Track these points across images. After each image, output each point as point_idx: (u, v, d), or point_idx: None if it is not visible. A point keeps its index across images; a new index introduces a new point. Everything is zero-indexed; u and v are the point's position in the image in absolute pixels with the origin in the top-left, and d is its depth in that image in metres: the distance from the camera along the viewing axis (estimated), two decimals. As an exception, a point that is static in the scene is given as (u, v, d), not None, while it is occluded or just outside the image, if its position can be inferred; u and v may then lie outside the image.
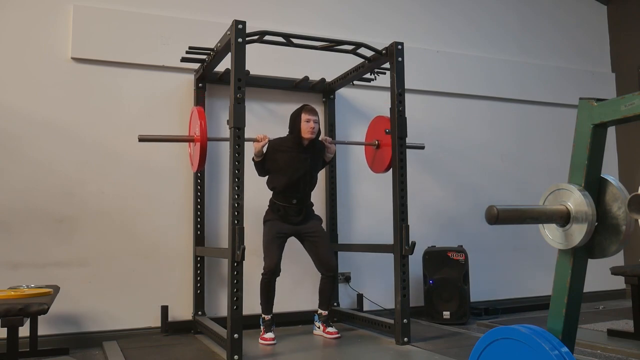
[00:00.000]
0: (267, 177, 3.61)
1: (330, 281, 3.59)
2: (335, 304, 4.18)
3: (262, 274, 3.39)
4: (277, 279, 3.43)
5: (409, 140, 3.56)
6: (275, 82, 4.19)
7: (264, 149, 3.51)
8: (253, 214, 3.69)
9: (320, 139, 3.67)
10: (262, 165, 3.55)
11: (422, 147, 4.07)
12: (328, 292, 3.61)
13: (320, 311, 3.63)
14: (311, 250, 3.60)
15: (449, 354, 3.07)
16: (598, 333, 3.57)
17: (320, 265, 3.57)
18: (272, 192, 3.62)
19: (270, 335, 3.43)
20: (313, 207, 3.71)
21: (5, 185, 3.50)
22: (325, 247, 3.60)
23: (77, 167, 3.67)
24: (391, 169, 3.61)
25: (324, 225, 4.22)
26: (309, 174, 3.59)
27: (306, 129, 3.49)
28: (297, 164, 3.51)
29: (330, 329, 3.57)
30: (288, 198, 3.54)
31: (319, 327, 3.64)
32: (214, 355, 3.14)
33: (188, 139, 3.52)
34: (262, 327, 3.47)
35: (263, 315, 3.47)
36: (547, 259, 4.61)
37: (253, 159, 3.53)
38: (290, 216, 3.55)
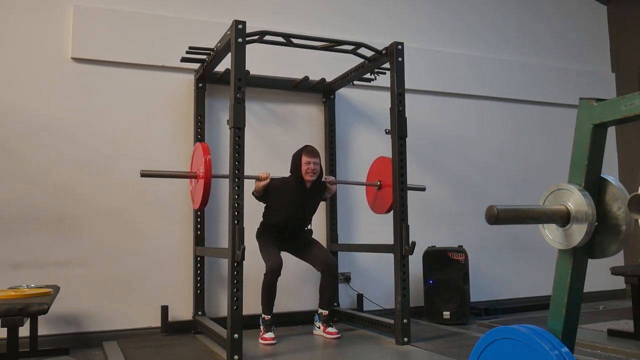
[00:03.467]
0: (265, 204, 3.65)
1: (331, 278, 3.60)
2: (335, 304, 4.17)
3: (265, 274, 3.40)
4: (278, 278, 3.43)
5: (409, 141, 3.56)
6: (275, 82, 4.19)
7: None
8: (253, 214, 3.69)
9: (323, 179, 3.68)
10: (263, 199, 3.59)
11: (423, 189, 4.05)
12: (329, 291, 3.62)
13: (320, 311, 3.63)
14: (305, 254, 3.64)
15: (449, 354, 3.07)
16: (598, 333, 3.57)
17: (317, 263, 3.59)
18: (264, 220, 3.66)
19: (270, 335, 3.43)
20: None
21: (6, 185, 3.50)
22: (320, 247, 3.67)
23: (77, 167, 3.67)
24: (391, 166, 3.61)
25: (323, 225, 4.24)
26: (308, 214, 3.63)
27: (307, 171, 3.50)
28: (297, 207, 3.55)
29: (330, 329, 3.57)
30: (281, 232, 3.61)
31: (319, 327, 3.64)
32: (214, 355, 3.14)
33: (191, 176, 3.45)
34: (262, 327, 3.47)
35: (263, 315, 3.47)
36: (547, 259, 4.61)
37: (253, 194, 3.55)
38: (282, 239, 3.62)
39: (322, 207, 4.21)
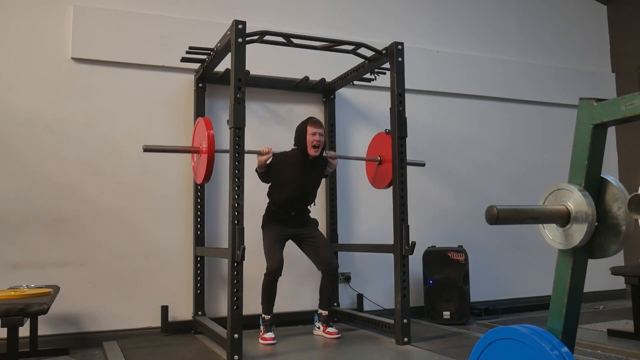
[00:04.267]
0: (268, 186, 3.63)
1: (331, 279, 3.59)
2: (335, 304, 4.18)
3: (265, 274, 3.40)
4: (279, 278, 3.43)
5: (409, 141, 3.56)
6: (275, 82, 4.19)
7: (268, 161, 3.50)
8: (253, 214, 3.69)
9: (324, 154, 3.67)
10: (266, 176, 3.56)
11: (423, 165, 4.07)
12: (329, 292, 3.61)
13: (320, 311, 3.63)
14: (310, 250, 3.61)
15: (449, 354, 3.07)
16: (598, 333, 3.57)
17: (319, 262, 3.58)
18: (270, 201, 3.64)
19: (270, 335, 3.43)
20: (310, 213, 3.74)
21: (6, 185, 3.50)
22: (324, 246, 3.64)
23: (77, 167, 3.67)
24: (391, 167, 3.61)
25: (324, 225, 4.24)
26: (312, 189, 3.62)
27: (312, 142, 3.49)
28: (301, 180, 3.53)
29: (330, 329, 3.57)
30: (287, 211, 3.58)
31: (319, 327, 3.64)
32: (214, 355, 3.14)
33: (193, 150, 3.44)
34: (262, 327, 3.47)
35: (263, 315, 3.47)
36: (547, 259, 4.61)
37: (256, 170, 3.54)
38: (289, 222, 3.59)
39: (322, 206, 4.21)
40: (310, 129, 3.50)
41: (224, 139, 3.82)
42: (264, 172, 3.52)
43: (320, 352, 3.30)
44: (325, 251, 3.61)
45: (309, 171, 3.55)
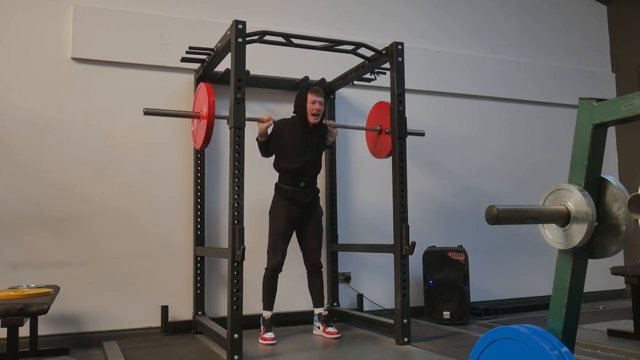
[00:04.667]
0: (273, 159, 3.61)
1: (315, 277, 3.62)
2: (335, 304, 4.18)
3: (266, 269, 3.42)
4: (280, 274, 3.45)
5: (409, 141, 3.55)
6: (275, 82, 4.19)
7: (269, 130, 3.49)
8: (253, 214, 3.70)
9: (324, 122, 3.67)
10: (267, 146, 3.53)
11: (423, 134, 4.08)
12: (317, 290, 3.62)
13: (319, 311, 3.63)
14: (302, 243, 3.63)
15: (449, 354, 3.07)
16: (598, 333, 3.57)
17: (305, 258, 3.62)
18: (278, 176, 3.60)
19: (270, 335, 3.43)
20: (319, 195, 3.71)
21: (6, 185, 3.50)
22: (314, 242, 3.62)
23: (77, 167, 3.67)
24: (391, 167, 3.60)
25: (324, 224, 4.24)
26: (315, 155, 3.58)
27: (312, 111, 3.48)
28: (303, 146, 3.51)
29: (330, 329, 3.57)
30: (296, 181, 3.52)
31: (319, 327, 3.64)
32: (214, 355, 3.14)
33: (194, 115, 3.44)
34: (262, 327, 3.48)
35: (263, 315, 3.48)
36: (547, 259, 4.61)
37: (257, 139, 3.52)
38: (299, 198, 3.53)
39: (322, 206, 4.20)
40: (310, 97, 3.49)
41: (224, 140, 3.83)
42: (265, 142, 3.49)
43: (320, 352, 3.30)
44: (312, 249, 3.60)
45: (310, 137, 3.54)
